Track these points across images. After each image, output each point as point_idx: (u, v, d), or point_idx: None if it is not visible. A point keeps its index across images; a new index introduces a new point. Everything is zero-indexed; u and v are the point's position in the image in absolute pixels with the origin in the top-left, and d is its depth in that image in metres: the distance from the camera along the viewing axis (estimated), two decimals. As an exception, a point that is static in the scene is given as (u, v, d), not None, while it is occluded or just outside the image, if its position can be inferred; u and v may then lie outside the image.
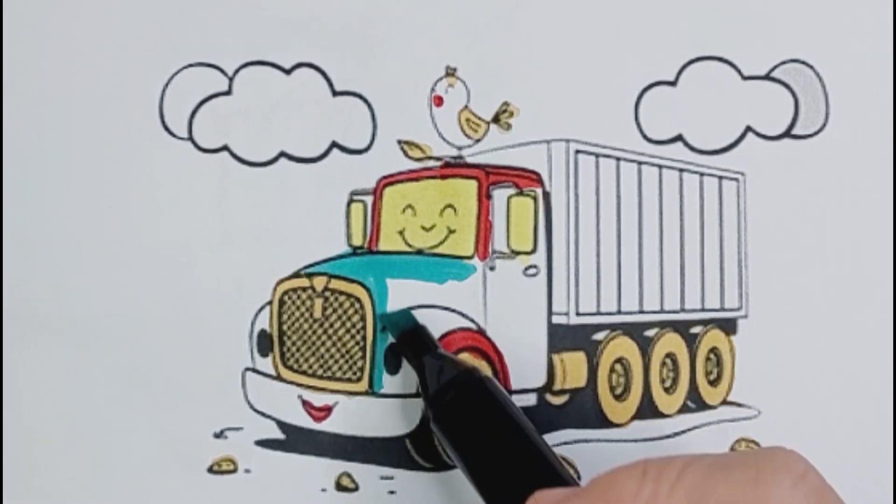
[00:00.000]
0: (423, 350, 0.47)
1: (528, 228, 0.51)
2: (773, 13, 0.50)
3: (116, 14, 0.52)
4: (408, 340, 0.48)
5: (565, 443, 0.50)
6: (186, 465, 0.51)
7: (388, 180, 0.51)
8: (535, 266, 0.51)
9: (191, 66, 0.52)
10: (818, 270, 0.50)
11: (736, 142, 0.51)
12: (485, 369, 0.50)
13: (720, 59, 0.51)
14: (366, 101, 0.51)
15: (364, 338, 0.50)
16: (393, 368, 0.49)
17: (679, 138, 0.51)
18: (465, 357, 0.50)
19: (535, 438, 0.44)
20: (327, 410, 0.50)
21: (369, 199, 0.51)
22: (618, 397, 0.51)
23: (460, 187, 0.51)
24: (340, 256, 0.51)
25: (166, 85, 0.52)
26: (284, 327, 0.51)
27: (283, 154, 0.51)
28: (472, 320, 0.50)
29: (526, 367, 0.50)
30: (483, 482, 0.43)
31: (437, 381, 0.46)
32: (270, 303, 0.51)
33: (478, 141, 0.51)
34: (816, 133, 0.51)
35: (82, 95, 0.52)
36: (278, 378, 0.51)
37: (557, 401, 0.51)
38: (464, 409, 0.45)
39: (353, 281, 0.50)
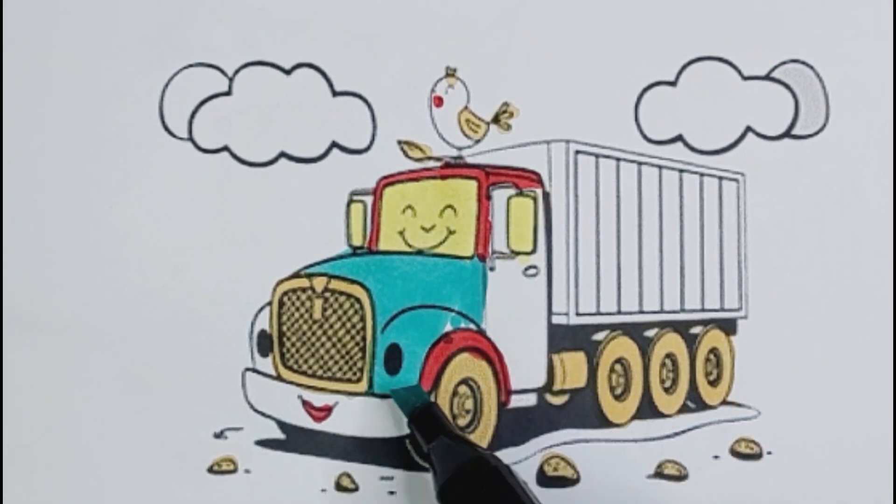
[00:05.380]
0: (435, 431, 0.46)
1: (527, 229, 0.51)
2: (773, 13, 0.51)
3: (116, 14, 0.52)
4: (420, 419, 0.47)
5: (565, 443, 0.50)
6: (186, 465, 0.51)
7: (388, 180, 0.51)
8: (534, 266, 0.51)
9: (191, 66, 0.52)
10: (818, 270, 0.50)
11: (736, 142, 0.51)
12: (484, 369, 0.50)
13: (720, 59, 0.51)
14: (366, 101, 0.51)
15: (364, 338, 0.50)
16: (393, 369, 0.49)
17: (679, 138, 0.51)
18: (466, 358, 0.50)
19: None
20: (327, 410, 0.50)
21: (369, 200, 0.51)
22: (618, 397, 0.51)
23: (460, 188, 0.51)
24: (340, 256, 0.51)
25: (166, 85, 0.52)
26: (284, 328, 0.51)
27: (283, 154, 0.51)
28: (472, 320, 0.50)
29: (526, 367, 0.50)
30: None
31: (447, 467, 0.44)
32: (270, 303, 0.51)
33: (478, 141, 0.51)
34: (816, 133, 0.51)
35: (82, 95, 0.52)
36: (278, 378, 0.51)
37: (557, 401, 0.51)
38: (476, 498, 0.43)
39: (353, 281, 0.50)
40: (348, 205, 0.51)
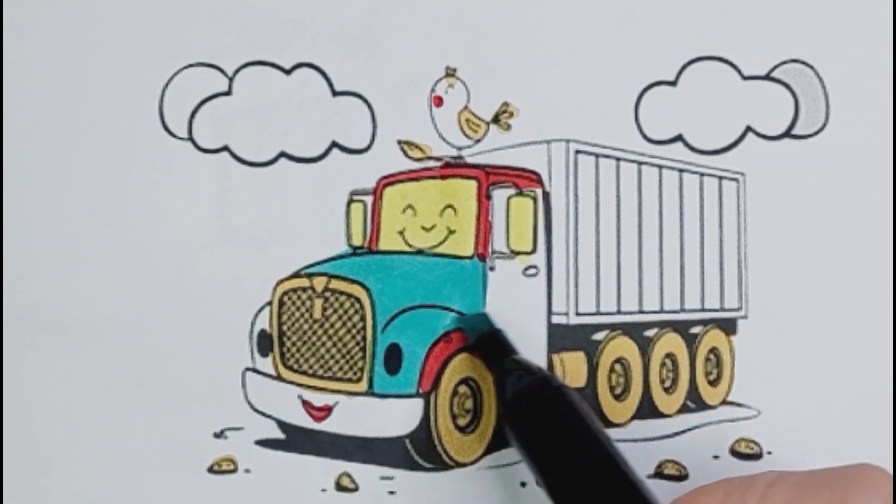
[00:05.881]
0: (502, 354, 0.48)
1: (527, 228, 0.51)
2: (773, 13, 0.50)
3: (116, 14, 0.52)
4: (486, 344, 0.48)
5: (565, 443, 0.50)
6: (186, 465, 0.51)
7: (388, 180, 0.51)
8: (534, 266, 0.51)
9: (191, 66, 0.52)
10: (818, 270, 0.50)
11: (736, 142, 0.51)
12: (484, 369, 0.50)
13: (720, 59, 0.51)
14: (366, 101, 0.51)
15: (364, 338, 0.50)
16: (393, 368, 0.49)
17: (679, 138, 0.51)
18: (466, 357, 0.50)
19: (613, 450, 0.43)
20: (327, 410, 0.50)
21: (369, 199, 0.51)
22: (617, 397, 0.51)
23: (460, 187, 0.51)
24: (340, 256, 0.51)
25: (166, 85, 0.52)
26: (284, 327, 0.51)
27: (283, 154, 0.51)
28: (472, 320, 0.50)
29: (526, 366, 0.50)
30: (559, 495, 0.43)
31: (514, 387, 0.46)
32: (270, 303, 0.51)
33: (478, 141, 0.51)
34: (816, 133, 0.51)
35: (82, 95, 0.52)
36: (278, 378, 0.51)
37: (557, 401, 0.51)
38: (540, 418, 0.45)
39: (353, 281, 0.50)
40: (348, 205, 0.51)
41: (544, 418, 0.44)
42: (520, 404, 0.45)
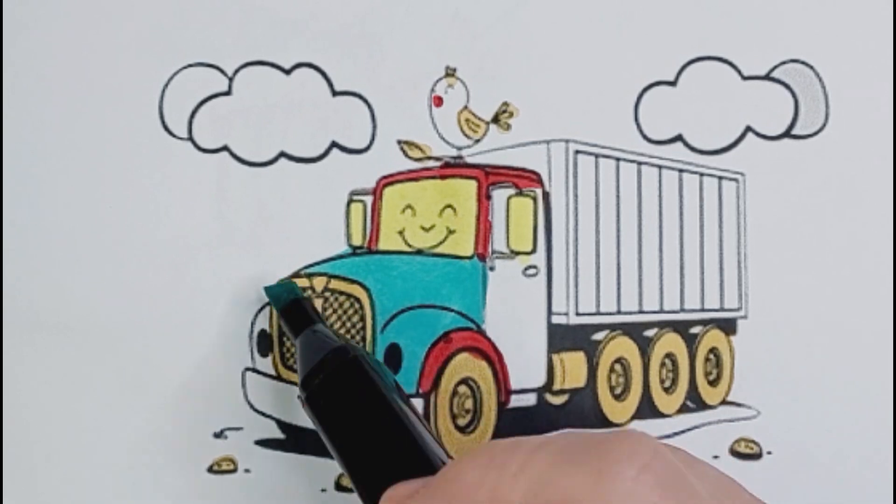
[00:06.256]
0: (303, 325, 0.46)
1: (527, 229, 0.51)
2: (773, 13, 0.50)
3: (116, 14, 0.52)
4: (290, 313, 0.47)
5: (565, 443, 0.50)
6: (186, 465, 0.51)
7: (388, 180, 0.51)
8: (534, 266, 0.51)
9: (191, 66, 0.52)
10: (818, 270, 0.50)
11: (736, 142, 0.51)
12: (484, 369, 0.50)
13: (720, 59, 0.51)
14: (365, 101, 0.51)
15: (363, 338, 0.50)
16: (392, 368, 0.49)
17: (679, 138, 0.51)
18: (466, 357, 0.50)
19: (406, 421, 0.41)
20: (327, 410, 0.50)
21: (369, 199, 0.51)
22: (617, 397, 0.51)
23: (460, 187, 0.51)
24: (340, 256, 0.51)
25: (166, 85, 0.52)
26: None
27: (282, 154, 0.51)
28: (472, 320, 0.50)
29: (526, 367, 0.50)
30: (351, 469, 0.41)
31: (311, 360, 0.44)
32: (270, 303, 0.51)
33: (477, 141, 0.51)
34: (816, 133, 0.51)
35: (82, 95, 0.52)
36: (278, 378, 0.51)
37: (557, 401, 0.51)
38: (334, 392, 0.42)
39: (352, 281, 0.50)
40: (348, 205, 0.51)
41: (339, 393, 0.42)
42: (315, 376, 0.43)
